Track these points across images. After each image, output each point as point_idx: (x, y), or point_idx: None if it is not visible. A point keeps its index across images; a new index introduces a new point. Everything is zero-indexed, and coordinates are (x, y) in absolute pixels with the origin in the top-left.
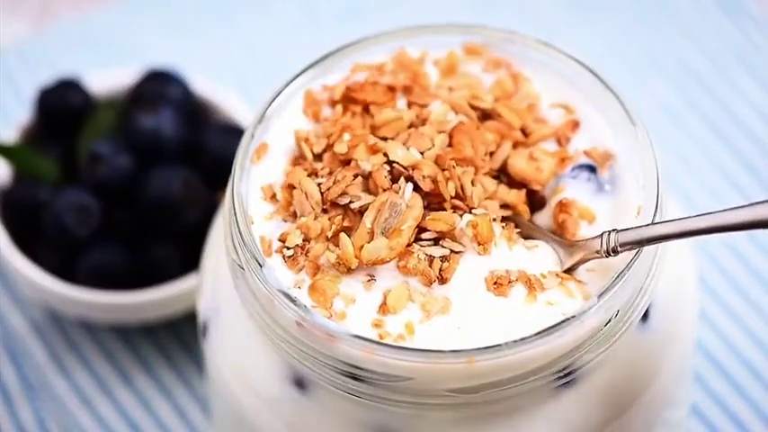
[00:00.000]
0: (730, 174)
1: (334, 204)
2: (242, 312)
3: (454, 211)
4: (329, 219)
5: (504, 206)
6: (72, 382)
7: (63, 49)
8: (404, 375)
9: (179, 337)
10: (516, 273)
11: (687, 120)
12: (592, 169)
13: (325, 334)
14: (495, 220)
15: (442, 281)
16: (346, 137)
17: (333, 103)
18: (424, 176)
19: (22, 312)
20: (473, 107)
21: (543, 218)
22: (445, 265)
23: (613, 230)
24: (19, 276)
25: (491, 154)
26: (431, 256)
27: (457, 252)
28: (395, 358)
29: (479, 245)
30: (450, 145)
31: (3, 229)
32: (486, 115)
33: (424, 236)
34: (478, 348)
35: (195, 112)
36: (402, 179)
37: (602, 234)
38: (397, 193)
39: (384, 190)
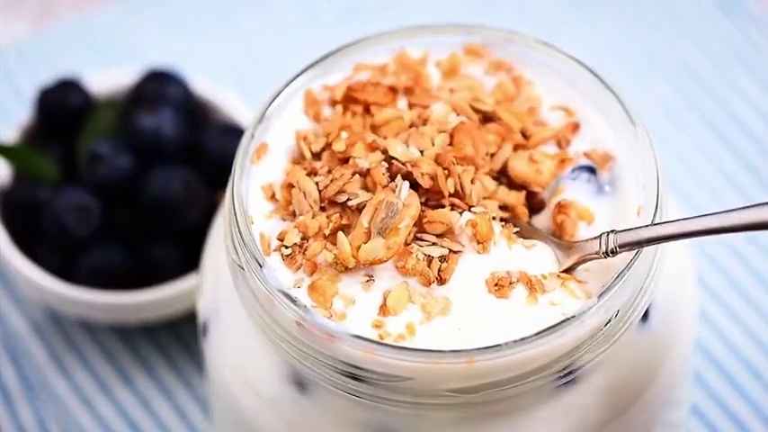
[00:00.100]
0: (730, 174)
1: (332, 202)
2: (242, 312)
3: (452, 209)
4: (327, 217)
5: (503, 207)
6: (72, 382)
7: (63, 49)
8: (404, 375)
9: (179, 337)
10: (517, 274)
11: (687, 120)
12: (592, 171)
13: (325, 334)
14: (494, 218)
15: (441, 281)
16: (344, 135)
17: (333, 103)
18: (423, 174)
19: (22, 312)
20: (474, 109)
21: (542, 220)
22: (444, 265)
23: (612, 231)
24: (19, 276)
25: (492, 155)
26: (429, 256)
27: (456, 252)
28: (395, 358)
29: (479, 243)
30: (450, 144)
31: (3, 229)
32: (487, 118)
33: (422, 235)
34: (478, 348)
35: (195, 112)
36: (399, 177)
37: (600, 235)
38: (394, 191)
39: (383, 187)
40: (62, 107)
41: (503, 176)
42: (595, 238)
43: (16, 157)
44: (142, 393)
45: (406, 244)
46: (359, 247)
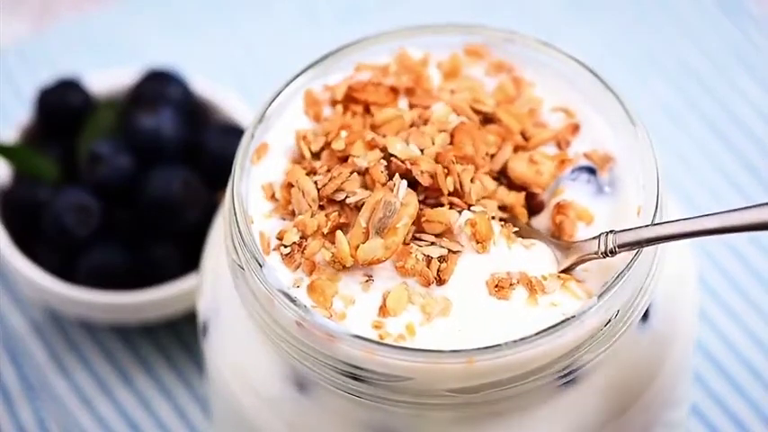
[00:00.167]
0: (730, 174)
1: (331, 201)
2: (242, 312)
3: (451, 208)
4: (326, 216)
5: (502, 208)
6: (72, 382)
7: (63, 49)
8: (404, 375)
9: (179, 337)
10: (517, 275)
11: (687, 120)
12: (592, 171)
13: (325, 334)
14: (493, 218)
15: (440, 282)
16: (343, 134)
17: (334, 103)
18: (422, 172)
19: (22, 312)
20: (475, 110)
21: (541, 221)
22: (443, 265)
23: (611, 231)
24: (19, 276)
25: (492, 156)
26: (428, 256)
27: (455, 252)
28: (395, 358)
29: (478, 243)
30: (451, 144)
31: (3, 229)
32: (487, 119)
33: (421, 235)
34: (478, 348)
35: (195, 112)
36: (397, 176)
37: (599, 235)
38: (392, 190)
39: (382, 185)
40: (62, 107)
41: (503, 177)
42: (594, 238)
43: (16, 157)
44: (142, 393)
45: (405, 243)
46: (357, 246)
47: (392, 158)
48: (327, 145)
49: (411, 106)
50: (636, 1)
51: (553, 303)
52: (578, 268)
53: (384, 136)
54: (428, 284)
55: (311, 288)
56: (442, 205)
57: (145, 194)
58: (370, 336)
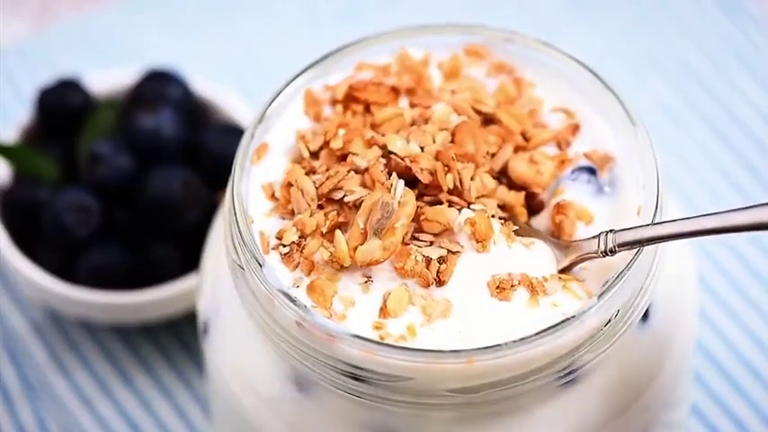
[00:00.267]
0: (730, 174)
1: (330, 200)
2: (242, 312)
3: (450, 206)
4: (325, 215)
5: (502, 207)
6: (72, 382)
7: (63, 49)
8: (404, 375)
9: (179, 337)
10: (519, 276)
11: (687, 120)
12: (592, 171)
13: (325, 334)
14: (493, 216)
15: (440, 283)
16: (341, 132)
17: (334, 103)
18: (422, 169)
19: (22, 312)
20: (476, 111)
21: (541, 221)
22: (443, 266)
23: (611, 231)
24: (19, 276)
25: (492, 155)
26: (428, 257)
27: (454, 252)
28: (395, 358)
29: (478, 242)
30: (452, 142)
31: (3, 229)
32: (488, 120)
33: (420, 234)
34: (478, 348)
35: (195, 112)
36: (394, 175)
37: (599, 234)
38: (389, 190)
39: (381, 184)
40: (62, 107)
41: (503, 177)
42: (594, 237)
43: (16, 157)
44: (142, 393)
45: (405, 243)
46: (356, 247)
47: (391, 156)
48: (326, 144)
49: (412, 106)
50: (636, 1)
51: (554, 304)
52: (578, 267)
53: (383, 135)
54: (427, 285)
55: (311, 288)
56: (441, 203)
57: (145, 194)
58: (370, 336)
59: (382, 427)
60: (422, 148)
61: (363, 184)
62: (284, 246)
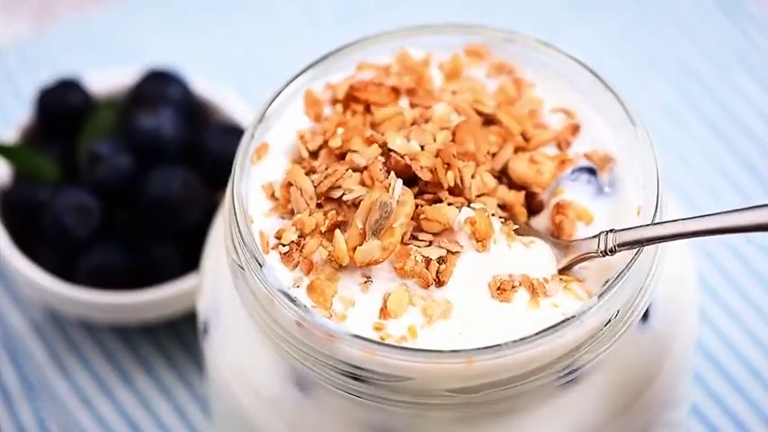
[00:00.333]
0: (730, 174)
1: (329, 199)
2: (242, 312)
3: (450, 205)
4: (324, 214)
5: (502, 206)
6: (72, 382)
7: (63, 49)
8: (404, 375)
9: (179, 337)
10: (519, 277)
11: (687, 120)
12: (592, 172)
13: (325, 334)
14: (493, 215)
15: (440, 283)
16: (340, 131)
17: (334, 102)
18: (422, 167)
19: (22, 312)
20: (476, 111)
21: (541, 221)
22: (442, 267)
23: (611, 230)
24: (19, 276)
25: (493, 155)
26: (427, 257)
27: (454, 253)
28: (395, 358)
29: (478, 241)
30: (452, 141)
31: (3, 229)
32: (488, 121)
33: (419, 234)
34: (478, 348)
35: (195, 112)
36: (392, 174)
37: (599, 234)
38: (387, 190)
39: (380, 182)
40: (62, 107)
41: (503, 176)
42: (594, 236)
43: (16, 157)
44: (142, 393)
45: (404, 243)
46: (355, 248)
47: (391, 153)
48: (325, 143)
49: (412, 106)
50: (636, 1)
51: (555, 305)
52: (578, 267)
53: (383, 134)
54: (427, 286)
55: (311, 288)
56: (440, 201)
57: (145, 194)
58: (370, 336)
59: (382, 427)
60: (422, 147)
61: (362, 183)
62: (283, 245)
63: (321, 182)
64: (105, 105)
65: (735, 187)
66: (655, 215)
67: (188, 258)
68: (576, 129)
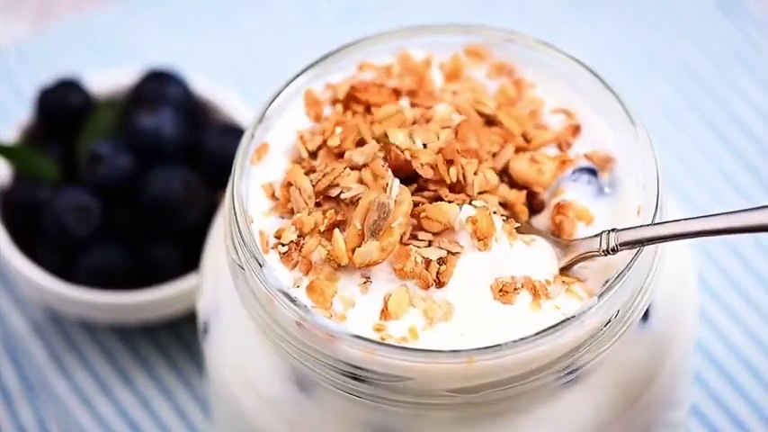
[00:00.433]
0: (730, 174)
1: (328, 198)
2: (242, 312)
3: (451, 202)
4: (323, 212)
5: (503, 205)
6: (72, 382)
7: (63, 49)
8: (404, 375)
9: (179, 337)
10: (522, 279)
11: (687, 120)
12: (592, 172)
13: (325, 334)
14: (495, 213)
15: (440, 284)
16: (339, 130)
17: (334, 102)
18: (422, 164)
19: (22, 312)
20: (477, 112)
21: (541, 220)
22: (442, 268)
23: (613, 230)
24: (19, 276)
25: (494, 155)
26: (427, 258)
27: (454, 253)
28: (395, 358)
29: (479, 240)
30: (455, 139)
31: (3, 229)
32: (489, 121)
33: (419, 233)
34: (478, 348)
35: (195, 112)
36: (389, 174)
37: (601, 233)
38: (385, 189)
39: (381, 177)
40: (62, 107)
41: (504, 176)
42: (596, 235)
43: (16, 157)
44: (142, 393)
45: (404, 243)
46: (353, 249)
47: (391, 147)
48: (324, 143)
49: (413, 106)
50: (636, 1)
51: (556, 306)
52: (578, 267)
53: (384, 131)
54: (427, 287)
55: (310, 288)
56: (441, 199)
57: (145, 194)
58: (370, 336)
59: (383, 427)
60: (424, 145)
61: (361, 181)
62: (283, 245)
63: (319, 180)
64: (105, 105)
65: (735, 187)
66: (655, 215)
67: (188, 258)
68: (576, 129)
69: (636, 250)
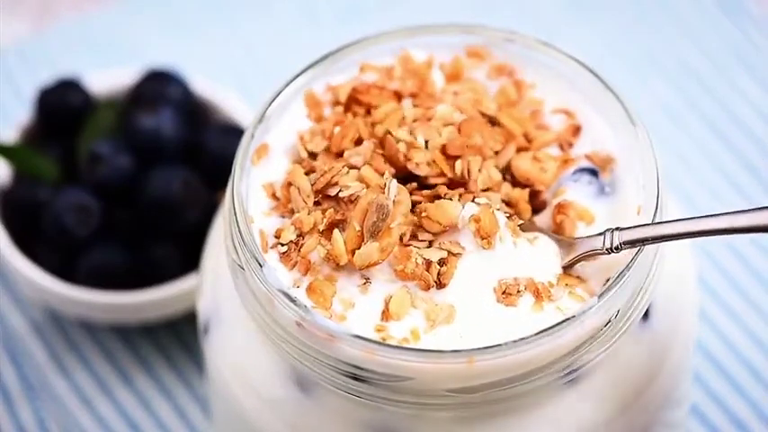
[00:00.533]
0: (730, 174)
1: (327, 197)
2: (242, 312)
3: (450, 199)
4: (322, 212)
5: (506, 203)
6: (72, 382)
7: (63, 49)
8: (404, 375)
9: (179, 337)
10: (525, 281)
11: (687, 120)
12: (593, 173)
13: (325, 334)
14: (498, 209)
15: (440, 285)
16: (337, 129)
17: (335, 104)
18: (418, 164)
19: (22, 312)
20: (478, 112)
21: (543, 220)
22: (443, 269)
23: (616, 228)
24: (19, 276)
25: (496, 153)
26: (428, 259)
27: (455, 254)
28: (395, 358)
29: (483, 239)
30: (459, 135)
31: (3, 229)
32: (490, 122)
33: (420, 234)
34: (478, 348)
35: (195, 112)
36: (387, 174)
37: (604, 231)
38: (383, 190)
39: (381, 174)
40: (62, 107)
41: (507, 174)
42: (600, 234)
43: (16, 157)
44: (142, 393)
45: (404, 244)
46: (353, 251)
47: (390, 146)
48: (324, 143)
49: (415, 107)
50: (636, 1)
51: (558, 308)
52: (579, 266)
53: (384, 130)
54: (428, 288)
55: (310, 288)
56: (440, 197)
57: (145, 194)
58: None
59: (383, 427)
60: (426, 142)
61: (360, 180)
62: (282, 245)
63: (318, 179)
64: (105, 105)
65: (735, 187)
66: (655, 215)
67: (188, 258)
68: (577, 130)
69: (636, 250)
